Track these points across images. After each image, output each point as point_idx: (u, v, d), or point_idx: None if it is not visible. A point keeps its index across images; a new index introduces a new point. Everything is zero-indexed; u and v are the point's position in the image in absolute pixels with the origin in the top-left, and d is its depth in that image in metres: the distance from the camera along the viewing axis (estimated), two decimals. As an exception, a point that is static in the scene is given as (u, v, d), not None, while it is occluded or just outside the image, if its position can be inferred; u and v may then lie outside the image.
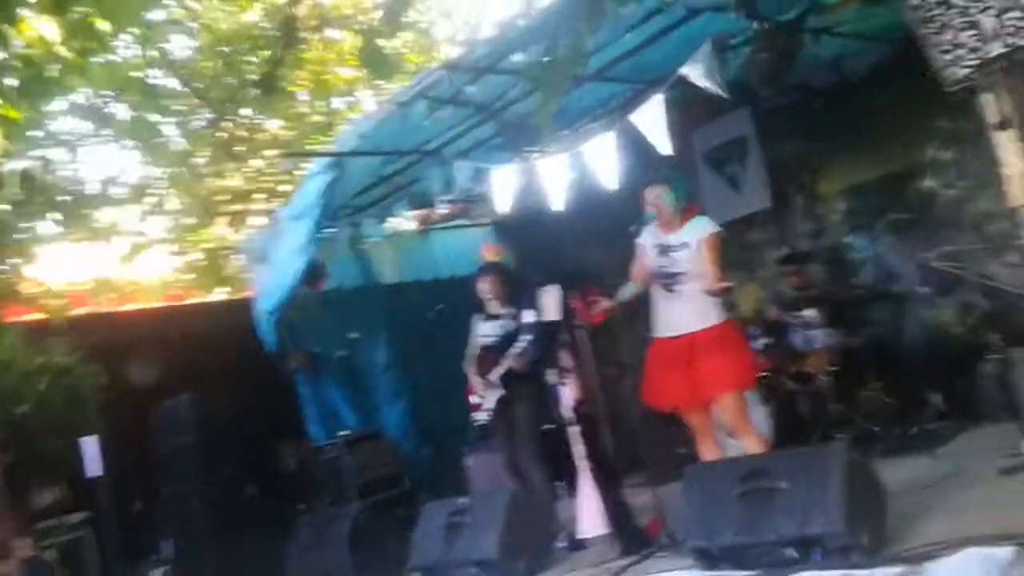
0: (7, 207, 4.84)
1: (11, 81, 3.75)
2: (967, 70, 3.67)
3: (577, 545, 4.45)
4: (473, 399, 5.10)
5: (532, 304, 4.57)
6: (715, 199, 7.30)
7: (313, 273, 6.72)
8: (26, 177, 4.96)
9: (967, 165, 6.12)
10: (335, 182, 5.66)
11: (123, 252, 7.63)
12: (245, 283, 7.54)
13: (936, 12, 3.73)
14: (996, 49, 3.57)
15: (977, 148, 6.00)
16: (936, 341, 6.25)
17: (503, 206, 5.38)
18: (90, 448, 6.37)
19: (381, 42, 4.35)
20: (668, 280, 4.25)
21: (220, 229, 9.36)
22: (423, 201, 6.92)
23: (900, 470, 4.31)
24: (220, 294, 8.87)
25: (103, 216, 7.30)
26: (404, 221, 8.04)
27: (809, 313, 6.17)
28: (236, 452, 5.99)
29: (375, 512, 5.18)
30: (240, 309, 7.68)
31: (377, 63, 3.75)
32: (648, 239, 4.42)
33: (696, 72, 4.48)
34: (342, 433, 7.05)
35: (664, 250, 4.32)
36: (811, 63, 5.83)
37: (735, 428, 4.09)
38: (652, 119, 4.67)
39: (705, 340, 4.13)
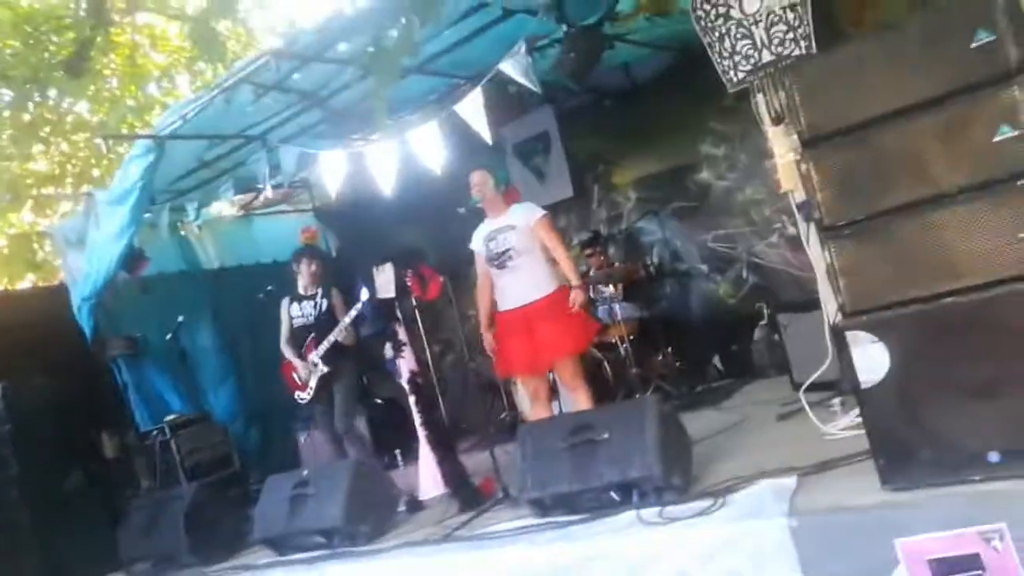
0: None
1: None
2: (743, 74, 4.00)
3: (417, 507, 4.45)
4: (296, 379, 4.99)
5: (364, 282, 4.51)
6: (523, 189, 7.50)
7: (132, 258, 6.27)
8: None
9: (736, 160, 6.67)
10: (155, 165, 5.30)
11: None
12: (55, 269, 6.92)
13: (717, 24, 4.04)
14: (767, 56, 3.91)
15: (743, 145, 6.59)
16: (715, 311, 6.78)
17: (330, 191, 5.27)
18: None
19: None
20: (499, 260, 4.35)
21: (27, 215, 8.48)
22: (247, 186, 6.62)
23: (693, 422, 4.62)
24: (28, 281, 8.06)
25: None
26: (226, 206, 7.65)
27: (609, 290, 6.49)
28: (55, 440, 5.48)
29: (208, 492, 4.92)
30: (51, 296, 7.06)
31: (211, 44, 3.55)
32: (478, 238, 4.52)
33: (512, 68, 4.58)
34: (168, 418, 6.66)
35: (493, 235, 4.43)
36: (605, 67, 6.09)
37: (572, 387, 4.27)
38: (475, 110, 4.74)
39: (540, 309, 4.28)
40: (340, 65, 4.89)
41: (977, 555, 2.46)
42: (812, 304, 4.82)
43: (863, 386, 2.69)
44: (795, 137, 3.84)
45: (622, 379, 6.01)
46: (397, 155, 5.02)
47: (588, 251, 6.89)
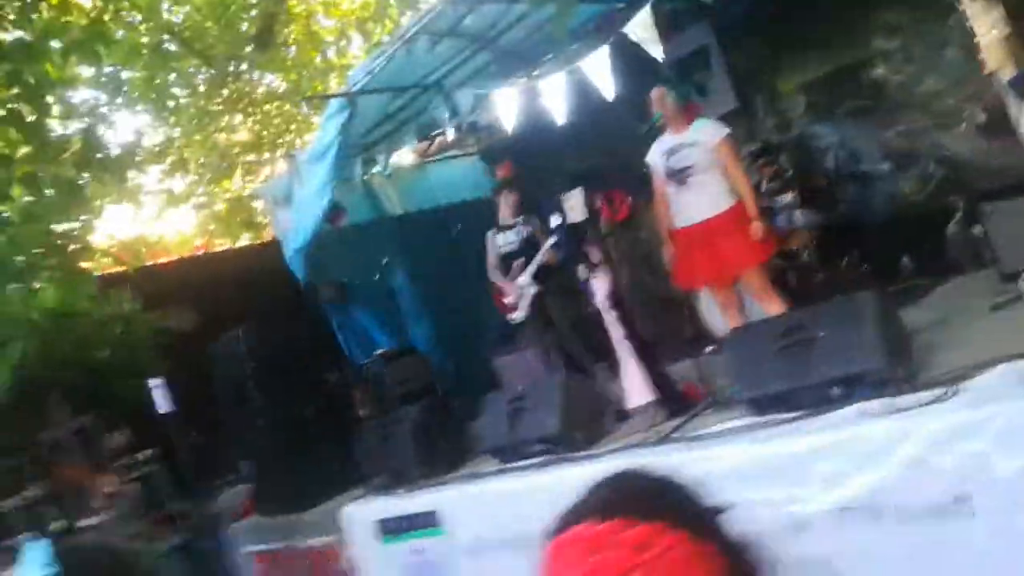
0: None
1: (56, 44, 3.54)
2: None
3: (623, 416, 4.51)
4: (508, 301, 5.12)
5: (556, 209, 4.54)
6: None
7: (333, 211, 6.60)
8: (87, 136, 4.73)
9: (911, 52, 6.14)
10: (349, 121, 5.51)
11: (151, 210, 7.41)
12: (268, 227, 7.41)
13: None
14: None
15: (919, 36, 6.05)
16: (900, 210, 6.34)
17: (506, 127, 5.30)
18: (158, 388, 6.31)
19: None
20: (680, 175, 4.26)
21: (237, 180, 9.13)
22: (427, 133, 6.78)
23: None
24: (245, 240, 8.71)
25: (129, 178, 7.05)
26: (404, 156, 7.89)
27: (786, 197, 6.21)
28: (289, 376, 5.94)
29: (429, 412, 5.19)
30: (267, 251, 7.60)
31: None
32: (656, 153, 4.43)
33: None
34: (379, 352, 7.06)
35: (674, 151, 4.33)
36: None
37: (763, 298, 4.17)
38: (645, 29, 4.59)
39: (722, 224, 4.18)
40: (507, 5, 4.86)
41: None
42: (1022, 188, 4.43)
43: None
44: (998, 12, 3.51)
45: (807, 287, 5.78)
46: (566, 85, 4.97)
47: (760, 161, 6.60)
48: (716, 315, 5.96)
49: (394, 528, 5.00)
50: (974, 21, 3.51)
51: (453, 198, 8.56)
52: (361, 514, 5.24)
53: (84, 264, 5.57)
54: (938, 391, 2.95)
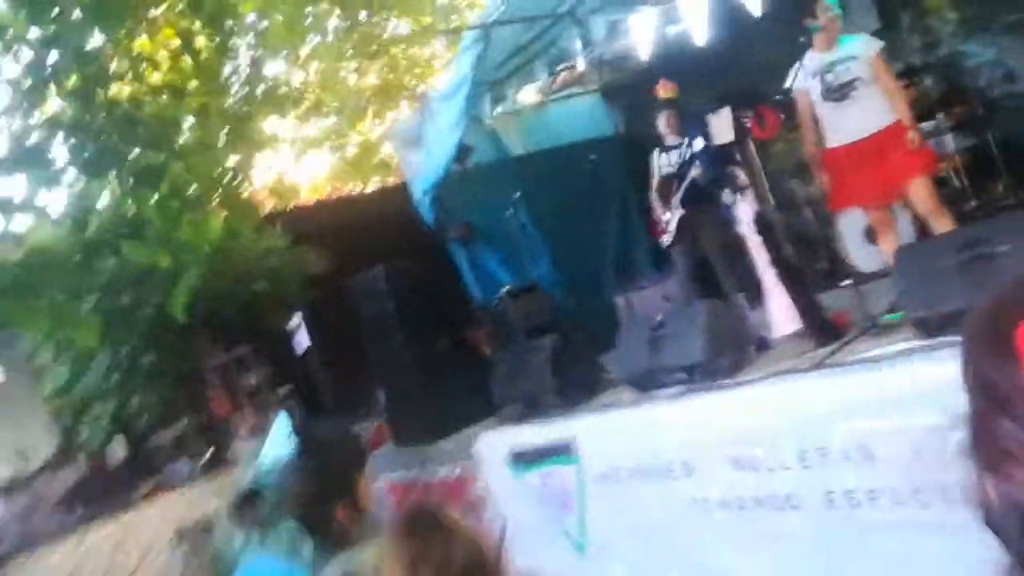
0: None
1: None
2: None
3: (766, 346, 4.35)
4: (658, 224, 5.04)
5: (701, 131, 4.36)
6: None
7: (462, 150, 6.61)
8: (253, 74, 4.86)
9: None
10: (484, 54, 5.44)
11: (287, 154, 7.61)
12: (398, 169, 7.51)
13: None
14: None
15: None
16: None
17: (642, 55, 5.12)
18: (299, 326, 6.57)
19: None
20: (841, 91, 4.03)
21: (368, 124, 9.29)
22: (557, 66, 6.65)
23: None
24: (375, 183, 8.87)
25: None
26: (527, 93, 7.77)
27: (934, 121, 5.78)
28: (426, 312, 6.05)
29: (565, 341, 5.17)
30: (397, 194, 7.72)
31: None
32: (806, 75, 4.19)
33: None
34: (504, 289, 7.09)
35: (830, 67, 4.09)
36: None
37: (930, 211, 3.95)
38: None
39: (886, 138, 3.94)
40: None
41: None
42: None
43: None
44: None
45: (959, 213, 5.39)
46: (708, 4, 4.74)
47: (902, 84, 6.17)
48: (856, 246, 5.68)
49: (527, 457, 5.05)
50: None
51: (574, 137, 8.46)
52: (494, 444, 5.31)
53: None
54: None
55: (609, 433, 4.50)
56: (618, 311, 6.90)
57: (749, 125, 4.16)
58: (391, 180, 8.20)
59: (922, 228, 5.47)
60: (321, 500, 1.58)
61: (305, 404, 7.17)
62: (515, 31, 5.67)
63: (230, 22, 3.27)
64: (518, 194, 6.90)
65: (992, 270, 3.01)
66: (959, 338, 0.90)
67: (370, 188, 8.97)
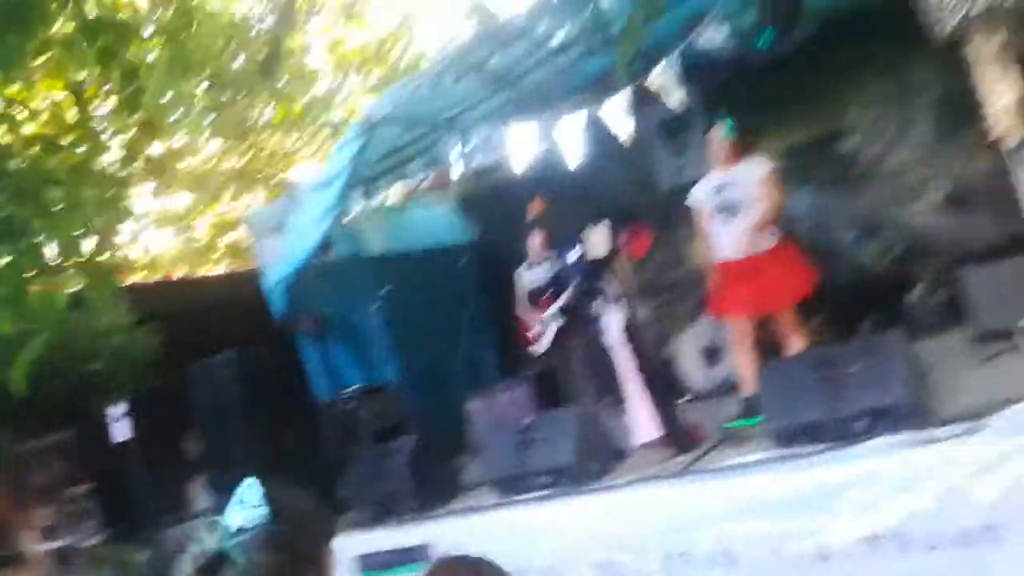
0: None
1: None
2: (956, 21, 3.91)
3: (626, 453, 4.52)
4: (532, 335, 5.21)
5: (576, 243, 4.62)
6: (666, 165, 7.56)
7: (326, 243, 6.53)
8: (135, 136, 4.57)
9: (883, 125, 6.54)
10: (364, 149, 5.51)
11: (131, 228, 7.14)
12: (249, 255, 7.26)
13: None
14: (981, 3, 3.83)
15: (893, 111, 6.47)
16: (863, 277, 6.58)
17: (515, 168, 5.40)
18: (122, 412, 6.02)
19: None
20: (730, 209, 4.45)
21: (224, 206, 8.91)
22: (431, 170, 6.81)
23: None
24: (221, 267, 8.47)
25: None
26: (392, 195, 7.87)
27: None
28: (275, 405, 5.78)
29: (426, 443, 5.10)
30: (245, 280, 7.43)
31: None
32: (702, 190, 4.63)
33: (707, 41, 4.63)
34: (356, 386, 6.92)
35: (723, 186, 4.54)
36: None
37: (792, 330, 4.34)
38: (667, 80, 4.79)
39: (762, 260, 4.36)
40: (538, 44, 4.99)
41: None
42: (1011, 250, 4.74)
43: None
44: (1014, 75, 3.79)
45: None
46: (586, 127, 5.12)
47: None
48: (693, 366, 6.11)
49: (379, 562, 4.84)
50: (989, 87, 3.78)
51: (432, 242, 8.60)
52: (340, 548, 5.05)
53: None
54: (966, 424, 3.08)
55: (470, 536, 4.40)
56: (468, 416, 6.91)
57: (624, 241, 4.47)
58: (245, 265, 7.89)
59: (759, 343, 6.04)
60: (292, 571, 1.46)
61: (111, 503, 6.50)
62: (396, 132, 5.80)
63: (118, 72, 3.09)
64: (386, 289, 6.86)
65: (844, 386, 3.37)
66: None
67: (216, 272, 8.59)
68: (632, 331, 4.42)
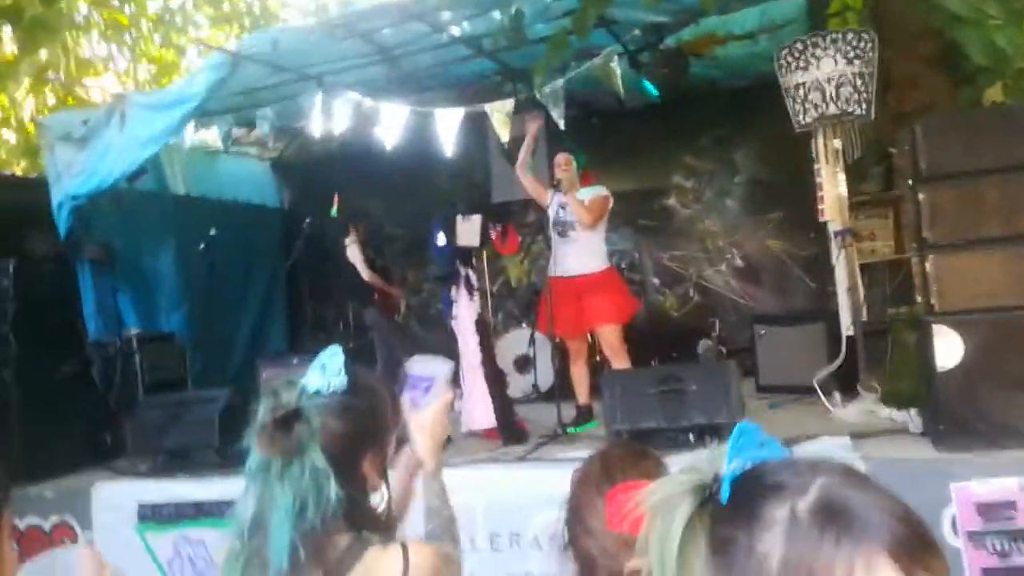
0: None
1: None
2: (810, 120, 4.75)
3: (451, 438, 4.73)
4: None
5: (440, 227, 4.80)
6: (501, 181, 7.97)
7: (141, 168, 6.07)
8: None
9: (701, 193, 7.51)
10: (223, 82, 5.26)
11: None
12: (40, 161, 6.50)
13: (796, 74, 4.77)
14: (832, 109, 4.69)
15: (711, 182, 7.45)
16: (659, 322, 7.50)
17: (386, 144, 5.48)
18: None
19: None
20: (563, 228, 4.84)
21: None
22: (284, 122, 6.60)
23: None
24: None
25: None
26: (206, 137, 7.46)
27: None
28: (55, 328, 5.26)
29: (241, 400, 4.94)
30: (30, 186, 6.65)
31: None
32: (553, 204, 5.00)
33: (600, 72, 5.10)
34: (136, 330, 6.44)
35: (563, 205, 4.90)
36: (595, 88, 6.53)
37: (613, 354, 4.79)
38: (555, 97, 5.18)
39: (592, 281, 4.78)
40: (435, 30, 5.16)
41: (1014, 502, 3.24)
42: (792, 320, 5.66)
43: (939, 370, 3.43)
44: (842, 176, 4.66)
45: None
46: (461, 124, 5.36)
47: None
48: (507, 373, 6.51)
49: (164, 514, 4.62)
50: (824, 178, 4.62)
51: (239, 196, 8.28)
52: (118, 496, 4.74)
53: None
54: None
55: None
56: (261, 384, 6.72)
57: (494, 236, 4.74)
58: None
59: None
60: (356, 445, 1.52)
61: None
62: (261, 73, 5.59)
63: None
64: (213, 231, 6.50)
65: (683, 402, 3.90)
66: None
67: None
68: (482, 324, 4.69)
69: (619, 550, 1.26)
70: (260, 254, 8.30)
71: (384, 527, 1.49)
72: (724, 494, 0.78)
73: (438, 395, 1.66)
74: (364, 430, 1.53)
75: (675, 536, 0.77)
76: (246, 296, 8.05)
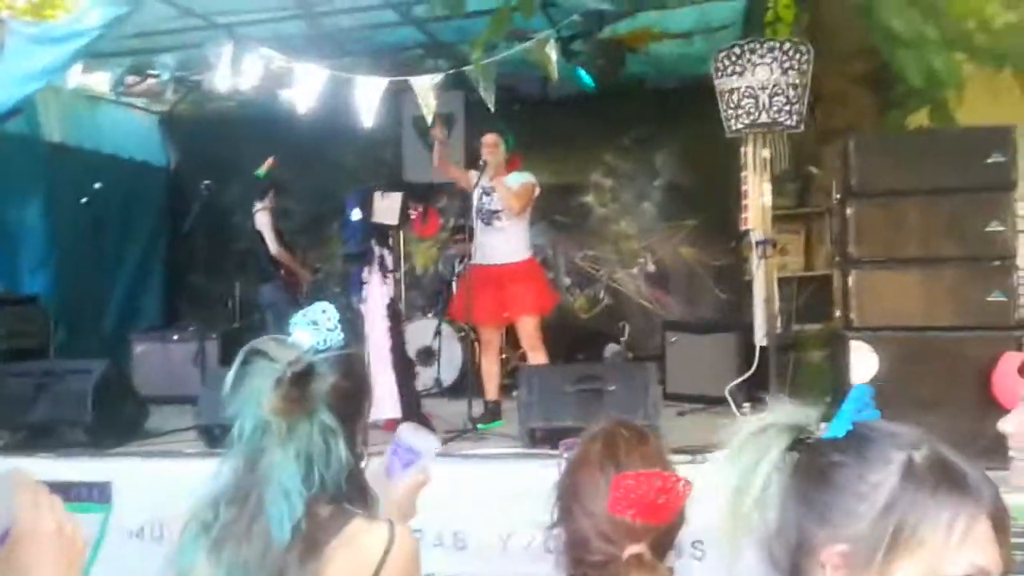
0: None
1: None
2: (741, 126, 4.95)
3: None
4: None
5: (356, 202, 4.74)
6: (413, 160, 7.94)
7: (17, 107, 5.71)
8: None
9: (619, 194, 7.71)
10: (123, 19, 5.02)
11: None
12: None
13: (732, 79, 4.96)
14: (764, 118, 4.91)
15: (629, 184, 7.66)
16: (567, 323, 7.63)
17: (299, 106, 5.37)
18: None
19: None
20: (488, 217, 4.87)
21: None
22: (186, 73, 6.32)
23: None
24: None
25: None
26: (95, 80, 7.08)
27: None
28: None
29: (117, 372, 4.73)
30: None
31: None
32: (476, 191, 5.01)
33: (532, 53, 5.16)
34: (-11, 290, 6.08)
35: (488, 192, 4.93)
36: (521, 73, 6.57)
37: (532, 345, 4.84)
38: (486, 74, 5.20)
39: (514, 271, 4.83)
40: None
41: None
42: (704, 328, 5.90)
43: (853, 383, 3.66)
44: (768, 186, 4.89)
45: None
46: (381, 92, 5.31)
47: (457, 236, 7.46)
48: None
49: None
50: (751, 187, 4.83)
51: (120, 151, 7.89)
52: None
53: None
54: (692, 456, 3.88)
55: (163, 483, 4.21)
56: (133, 358, 6.47)
57: (414, 217, 4.72)
58: None
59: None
60: (357, 404, 1.51)
61: None
62: (166, 15, 5.36)
63: None
64: (98, 185, 6.16)
65: (601, 401, 4.00)
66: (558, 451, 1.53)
67: None
68: (394, 308, 4.67)
69: (618, 535, 1.30)
70: (139, 216, 7.95)
71: (369, 502, 1.48)
72: (839, 430, 0.93)
73: (416, 474, 1.65)
74: (363, 388, 1.54)
75: (769, 462, 0.93)
76: (121, 261, 7.69)
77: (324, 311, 1.50)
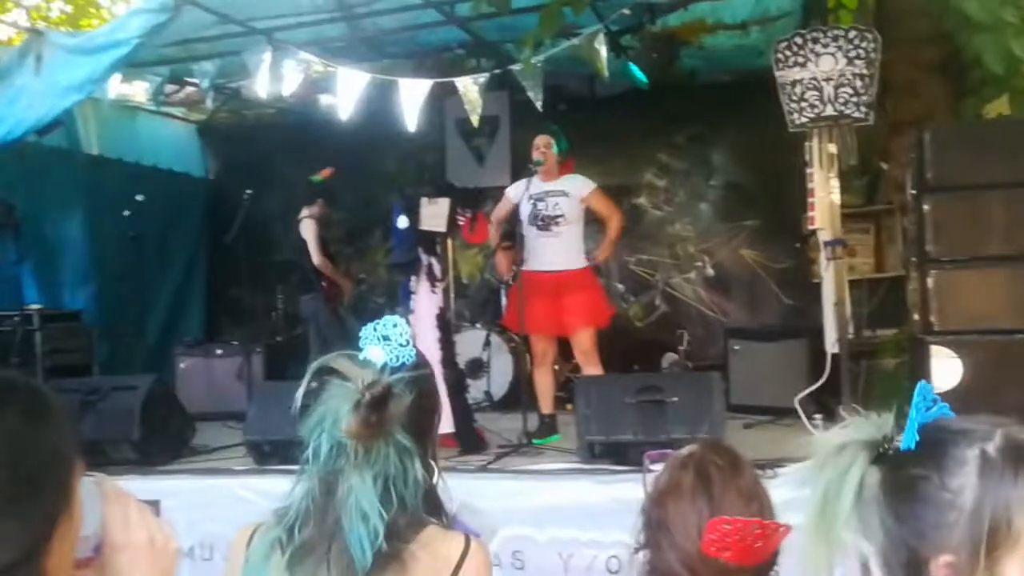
0: None
1: None
2: (805, 120, 4.90)
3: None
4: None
5: (403, 210, 4.79)
6: (458, 165, 8.01)
7: (57, 120, 5.88)
8: None
9: (675, 194, 7.67)
10: (163, 27, 5.14)
11: None
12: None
13: (793, 70, 4.92)
14: (829, 111, 4.85)
15: (685, 183, 7.61)
16: (622, 331, 7.57)
17: (341, 113, 5.45)
18: None
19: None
20: (545, 222, 4.89)
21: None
22: (224, 80, 6.46)
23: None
24: None
25: None
26: (133, 91, 7.28)
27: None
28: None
29: (165, 389, 4.84)
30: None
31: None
32: (520, 190, 5.02)
33: (583, 51, 5.17)
34: (35, 306, 6.25)
35: (543, 196, 4.96)
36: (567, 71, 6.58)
37: (586, 360, 4.86)
38: (533, 75, 5.24)
39: (571, 279, 4.85)
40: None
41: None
42: (769, 335, 5.83)
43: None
44: (836, 183, 4.83)
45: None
46: (424, 94, 5.37)
47: (505, 244, 7.47)
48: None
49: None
50: (816, 184, 4.77)
51: (159, 161, 8.07)
52: None
53: None
54: (762, 470, 3.83)
55: (200, 500, 4.29)
56: (178, 375, 6.61)
57: (462, 223, 4.75)
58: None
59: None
60: (430, 423, 1.54)
61: None
62: (204, 21, 5.47)
63: None
64: (140, 198, 6.33)
65: (663, 414, 3.99)
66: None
67: None
68: (444, 319, 4.70)
69: (709, 572, 1.31)
70: (179, 227, 8.12)
71: (443, 516, 1.51)
72: (910, 441, 0.95)
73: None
74: (435, 405, 1.57)
75: (853, 480, 0.94)
76: (162, 274, 7.86)
77: (396, 325, 1.51)
